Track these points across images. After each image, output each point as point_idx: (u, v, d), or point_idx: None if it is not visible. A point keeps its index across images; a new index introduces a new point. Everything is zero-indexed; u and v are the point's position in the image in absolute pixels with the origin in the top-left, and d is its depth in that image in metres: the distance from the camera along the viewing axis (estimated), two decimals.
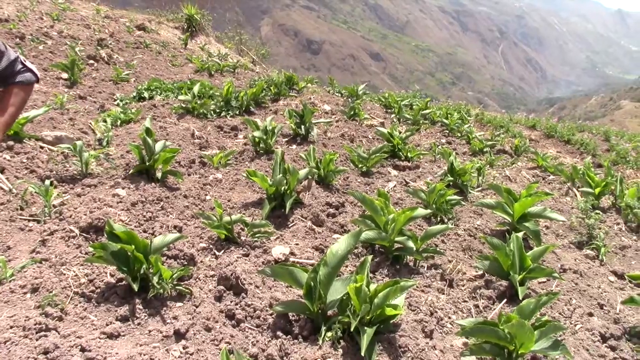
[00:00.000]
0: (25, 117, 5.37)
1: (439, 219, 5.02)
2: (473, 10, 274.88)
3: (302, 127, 7.14)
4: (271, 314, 3.05)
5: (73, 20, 12.25)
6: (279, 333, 2.90)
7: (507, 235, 4.50)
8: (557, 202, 6.29)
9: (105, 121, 6.51)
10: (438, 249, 4.13)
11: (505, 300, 3.67)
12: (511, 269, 3.70)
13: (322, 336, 2.83)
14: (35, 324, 2.62)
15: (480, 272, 4.04)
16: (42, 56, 9.39)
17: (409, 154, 7.05)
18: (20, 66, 2.17)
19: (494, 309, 3.56)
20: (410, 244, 3.92)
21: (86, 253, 3.43)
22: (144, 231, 3.90)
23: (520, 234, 3.92)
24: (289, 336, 2.89)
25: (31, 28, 10.58)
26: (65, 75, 8.60)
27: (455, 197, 5.18)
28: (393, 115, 9.97)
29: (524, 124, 12.42)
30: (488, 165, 7.40)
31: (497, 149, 8.97)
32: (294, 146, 6.90)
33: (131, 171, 4.88)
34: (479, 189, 6.32)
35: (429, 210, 4.37)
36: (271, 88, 9.68)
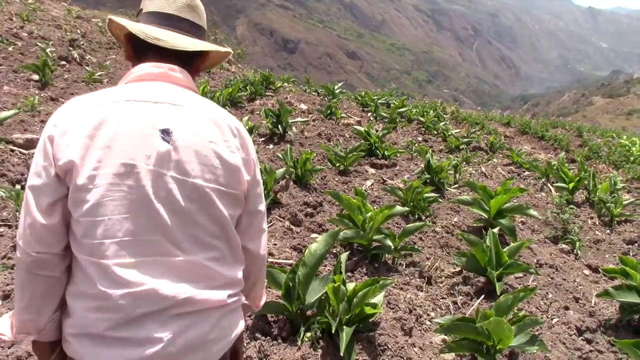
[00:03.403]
0: None
1: (416, 216, 5.04)
2: (447, 9, 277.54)
3: (279, 126, 7.11)
4: (250, 316, 3.02)
5: (44, 21, 12.01)
6: (258, 334, 2.87)
7: (484, 231, 4.55)
8: (533, 197, 6.37)
9: None
10: (416, 247, 4.14)
11: (483, 296, 3.69)
12: (488, 265, 3.73)
13: (302, 337, 2.82)
14: None
15: (458, 269, 4.06)
16: (12, 57, 9.18)
17: (386, 152, 7.07)
18: None
19: (472, 305, 3.59)
20: (389, 242, 3.92)
21: None
22: None
23: (496, 230, 3.96)
24: (267, 337, 2.87)
25: (0, 29, 10.34)
26: (36, 77, 8.42)
27: (433, 194, 5.21)
28: (370, 114, 10.00)
29: (498, 121, 12.58)
30: (464, 162, 7.47)
31: (473, 146, 9.06)
32: (271, 146, 6.87)
33: None
34: (456, 186, 6.37)
35: (406, 208, 4.38)
36: (247, 88, 9.63)
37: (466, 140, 8.87)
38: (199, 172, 1.28)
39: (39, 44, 10.11)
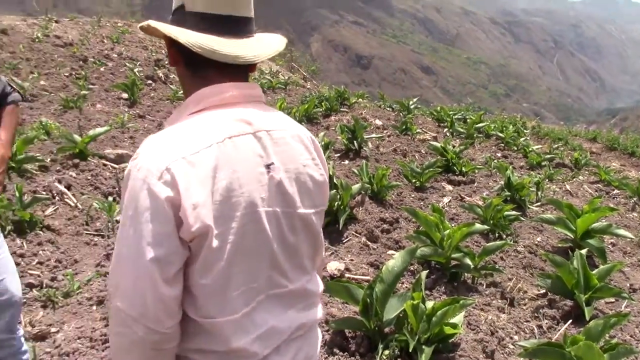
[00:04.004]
0: (89, 135, 5.61)
1: (496, 235, 4.89)
2: (525, 21, 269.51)
3: (354, 142, 7.14)
4: (327, 331, 3.03)
5: (131, 42, 12.78)
6: (336, 350, 2.88)
7: (570, 252, 4.34)
8: (623, 217, 6.01)
9: None
10: (497, 267, 4.02)
11: (570, 320, 3.52)
12: (576, 288, 3.55)
13: (380, 354, 2.79)
14: (101, 335, 2.71)
15: (543, 291, 3.89)
16: (103, 77, 9.82)
17: (463, 169, 6.92)
18: (9, 87, 2.28)
19: (559, 330, 3.42)
20: (468, 260, 3.83)
21: None
22: None
23: (584, 251, 3.77)
24: (345, 353, 2.87)
25: (93, 51, 11.10)
26: (125, 95, 8.95)
27: (514, 212, 5.04)
28: (446, 129, 9.84)
29: (583, 136, 12.02)
30: (547, 180, 7.18)
31: (556, 163, 8.69)
32: (347, 161, 6.90)
33: None
34: (538, 204, 6.13)
35: (486, 226, 4.27)
36: (323, 104, 9.75)
37: (549, 156, 8.53)
38: (301, 201, 1.24)
39: (128, 64, 10.75)
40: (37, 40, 10.64)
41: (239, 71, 1.21)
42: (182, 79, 1.26)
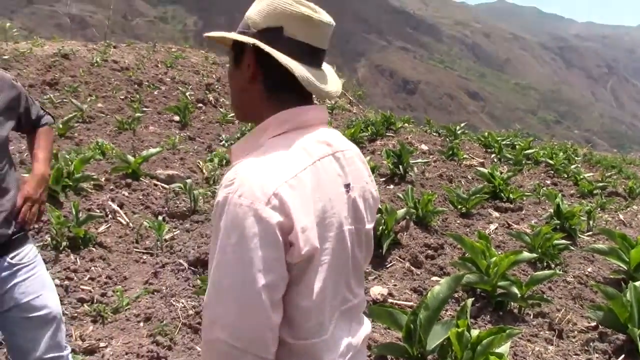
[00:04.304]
0: (142, 156, 5.83)
1: (545, 264, 4.76)
2: (578, 46, 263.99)
3: (400, 166, 7.13)
4: (369, 356, 3.01)
5: (184, 67, 13.23)
6: None
7: (623, 284, 4.18)
8: None
9: (212, 161, 6.90)
10: (545, 297, 3.91)
11: (622, 355, 3.38)
12: (629, 322, 3.41)
13: None
14: (147, 352, 2.78)
15: (594, 324, 3.76)
16: (157, 100, 10.19)
17: (511, 195, 6.79)
18: (42, 111, 2.37)
19: None
20: (515, 289, 3.75)
21: (194, 286, 3.61)
22: None
23: (638, 284, 3.63)
24: None
25: (148, 75, 11.54)
26: (177, 118, 9.25)
27: (563, 241, 4.91)
28: (493, 155, 9.70)
29: (638, 165, 11.60)
30: (599, 208, 6.96)
31: (609, 192, 8.41)
32: (392, 186, 6.89)
33: None
34: (589, 233, 5.94)
35: (534, 255, 4.17)
36: (368, 128, 9.80)
37: (601, 184, 8.27)
38: (368, 217, 1.28)
39: (180, 88, 11.13)
40: (96, 64, 11.17)
41: (310, 95, 1.24)
42: (252, 99, 1.24)
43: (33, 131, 2.29)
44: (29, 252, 2.07)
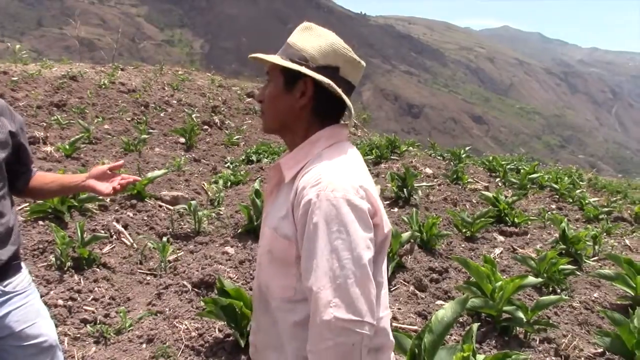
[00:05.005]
0: (147, 177, 5.85)
1: (550, 289, 4.73)
2: (582, 72, 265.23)
3: (404, 190, 7.13)
4: None
5: (190, 90, 13.36)
6: None
7: (630, 310, 4.13)
8: None
9: (216, 182, 6.92)
10: (551, 322, 3.87)
11: None
12: (637, 349, 3.37)
13: None
14: None
15: (600, 350, 3.71)
16: (163, 122, 10.27)
17: (516, 219, 6.77)
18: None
19: None
20: (520, 314, 3.71)
21: (197, 307, 3.59)
22: (251, 289, 4.02)
23: None
24: None
25: (154, 97, 11.66)
26: (182, 140, 9.31)
27: (569, 266, 4.88)
28: (498, 179, 9.70)
29: None
30: (605, 233, 6.92)
31: (614, 217, 8.38)
32: (396, 209, 6.88)
33: (240, 230, 5.10)
34: (595, 258, 5.90)
35: (540, 279, 4.14)
36: (373, 151, 9.83)
37: (606, 209, 8.24)
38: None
39: (186, 110, 11.22)
40: (103, 86, 11.29)
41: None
42: (296, 118, 1.45)
43: (25, 176, 2.10)
44: (22, 280, 2.01)
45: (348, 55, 1.42)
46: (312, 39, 1.41)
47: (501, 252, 5.72)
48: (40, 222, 4.64)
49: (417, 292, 4.35)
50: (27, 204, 4.83)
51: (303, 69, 1.37)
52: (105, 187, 2.04)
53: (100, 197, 5.31)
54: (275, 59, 1.41)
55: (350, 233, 1.21)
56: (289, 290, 1.36)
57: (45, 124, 8.62)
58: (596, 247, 6.09)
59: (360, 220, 1.24)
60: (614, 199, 9.53)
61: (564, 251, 5.60)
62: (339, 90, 1.36)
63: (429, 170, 9.27)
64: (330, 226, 1.21)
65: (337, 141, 1.43)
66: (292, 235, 1.32)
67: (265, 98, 1.47)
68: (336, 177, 1.27)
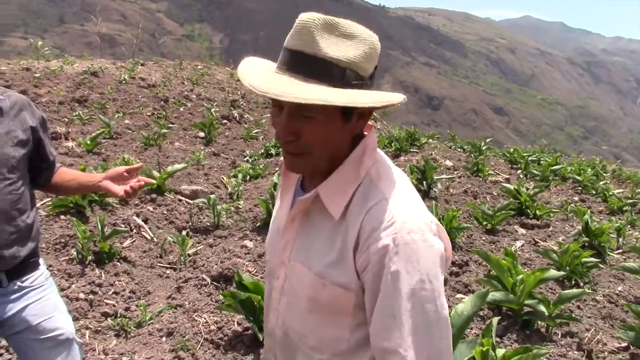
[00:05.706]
0: (167, 172, 5.89)
1: (573, 282, 4.65)
2: (606, 61, 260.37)
3: (424, 182, 7.07)
4: None
5: (210, 84, 13.40)
6: None
7: None
8: None
9: (235, 176, 6.94)
10: (574, 316, 3.81)
11: None
12: None
13: None
14: None
15: (624, 344, 3.64)
16: (182, 117, 10.33)
17: (537, 212, 6.67)
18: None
19: None
20: (542, 308, 3.66)
21: (216, 301, 3.61)
22: None
23: None
24: None
25: (174, 92, 11.72)
26: (202, 134, 9.36)
27: (592, 259, 4.79)
28: (519, 171, 9.57)
29: None
30: (629, 226, 6.79)
31: (639, 208, 8.21)
32: None
33: (258, 224, 5.12)
34: (619, 251, 5.79)
35: (562, 272, 4.07)
36: (392, 144, 9.77)
37: (631, 201, 8.08)
38: None
39: (205, 105, 11.26)
40: (123, 81, 11.39)
41: None
42: (344, 147, 1.18)
43: (47, 172, 2.12)
44: (39, 276, 2.04)
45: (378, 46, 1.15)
46: (349, 43, 1.08)
47: (522, 245, 5.64)
48: (62, 217, 4.71)
49: None
50: (49, 198, 4.90)
51: (372, 100, 1.06)
52: (119, 188, 2.06)
53: None
54: (334, 96, 1.02)
55: (432, 281, 1.07)
56: (342, 343, 1.18)
57: (67, 120, 8.73)
58: (620, 239, 5.97)
59: (440, 263, 1.10)
60: (639, 190, 9.34)
61: (587, 244, 5.51)
62: (401, 99, 1.11)
63: (449, 163, 9.19)
64: (412, 275, 1.05)
65: (375, 150, 1.20)
66: (349, 284, 1.12)
67: (313, 139, 1.10)
68: (408, 213, 1.09)
